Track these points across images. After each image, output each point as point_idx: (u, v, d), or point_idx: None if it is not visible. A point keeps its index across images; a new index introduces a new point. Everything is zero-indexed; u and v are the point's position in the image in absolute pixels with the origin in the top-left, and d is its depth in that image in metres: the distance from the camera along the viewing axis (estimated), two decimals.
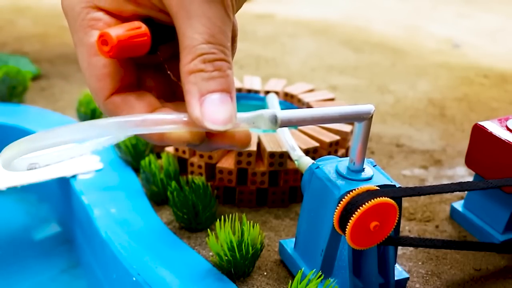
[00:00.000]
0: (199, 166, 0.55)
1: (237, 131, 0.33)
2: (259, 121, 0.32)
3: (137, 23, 0.31)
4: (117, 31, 0.30)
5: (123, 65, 0.32)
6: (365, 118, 0.38)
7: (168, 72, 0.35)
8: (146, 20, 0.32)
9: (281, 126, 0.33)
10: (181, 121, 0.31)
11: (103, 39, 0.30)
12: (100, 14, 0.32)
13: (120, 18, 0.32)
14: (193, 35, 0.30)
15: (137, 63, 0.35)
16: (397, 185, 0.41)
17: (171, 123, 0.31)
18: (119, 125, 0.30)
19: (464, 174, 0.66)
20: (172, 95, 0.36)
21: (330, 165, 0.42)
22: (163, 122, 0.31)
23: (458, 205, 0.56)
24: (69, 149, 0.53)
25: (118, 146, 0.61)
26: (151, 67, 0.36)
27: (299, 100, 0.68)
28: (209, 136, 0.33)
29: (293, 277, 0.45)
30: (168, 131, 0.31)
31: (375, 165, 0.42)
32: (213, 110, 0.30)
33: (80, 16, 0.32)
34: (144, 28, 0.31)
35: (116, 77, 0.32)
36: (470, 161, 0.52)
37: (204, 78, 0.30)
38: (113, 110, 0.32)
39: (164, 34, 0.33)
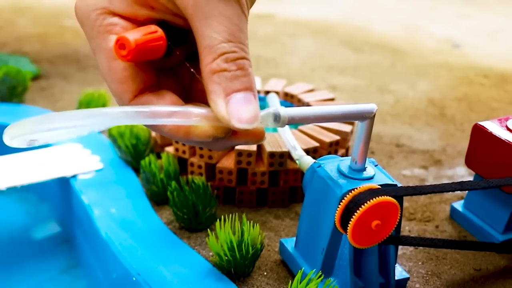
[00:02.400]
0: (199, 166, 0.55)
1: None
2: (265, 120, 0.33)
3: (153, 27, 0.31)
4: (134, 35, 0.30)
5: (142, 68, 0.33)
6: (368, 117, 0.38)
7: (192, 70, 0.35)
8: (160, 23, 0.32)
9: (285, 124, 0.33)
10: (205, 115, 0.32)
11: (121, 43, 0.30)
12: (116, 19, 0.32)
13: (136, 22, 0.33)
14: (212, 35, 0.31)
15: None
16: (399, 185, 0.41)
17: (196, 116, 0.31)
18: (144, 115, 0.31)
19: (464, 174, 0.66)
20: (185, 98, 0.37)
21: (332, 164, 0.42)
22: (191, 115, 0.31)
23: (458, 205, 0.56)
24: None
25: (118, 146, 0.61)
26: (164, 71, 0.36)
27: (299, 100, 0.68)
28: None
29: (293, 277, 0.45)
30: (193, 126, 0.32)
31: (377, 165, 0.42)
32: (239, 110, 0.31)
33: (96, 23, 0.32)
34: (160, 32, 0.31)
35: (137, 79, 0.33)
36: (470, 161, 0.52)
37: (228, 78, 0.31)
38: None
39: (178, 37, 0.33)
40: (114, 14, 0.32)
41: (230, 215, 0.44)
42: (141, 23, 0.33)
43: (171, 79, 0.36)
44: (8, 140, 0.33)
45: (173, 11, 0.32)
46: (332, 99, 0.67)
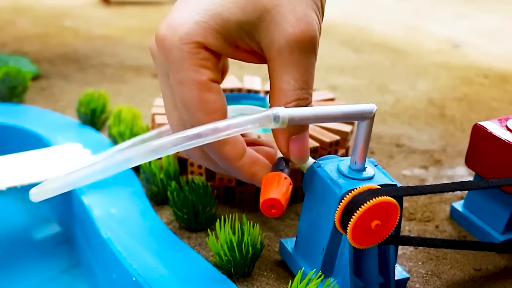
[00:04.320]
0: (199, 166, 0.55)
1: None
2: (265, 122, 0.33)
3: (289, 179, 0.37)
4: (280, 193, 0.35)
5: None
6: (368, 117, 0.38)
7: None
8: (282, 163, 0.39)
9: (285, 125, 0.34)
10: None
11: (271, 204, 0.35)
12: (208, 54, 0.36)
13: (219, 57, 0.37)
14: (290, 81, 0.37)
15: None
16: (399, 185, 0.41)
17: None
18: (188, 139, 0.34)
19: (464, 174, 0.66)
20: None
21: (332, 164, 0.42)
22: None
23: (458, 205, 0.56)
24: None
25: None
26: None
27: None
28: None
29: (293, 277, 0.45)
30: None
31: (377, 165, 0.42)
32: (298, 150, 0.39)
33: (191, 56, 0.35)
34: (291, 184, 0.37)
35: (224, 110, 0.38)
36: (470, 161, 0.52)
37: None
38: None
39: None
40: (206, 49, 0.35)
41: (230, 215, 0.44)
42: (222, 58, 0.39)
43: None
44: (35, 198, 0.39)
45: (253, 50, 0.38)
46: (332, 99, 0.67)
